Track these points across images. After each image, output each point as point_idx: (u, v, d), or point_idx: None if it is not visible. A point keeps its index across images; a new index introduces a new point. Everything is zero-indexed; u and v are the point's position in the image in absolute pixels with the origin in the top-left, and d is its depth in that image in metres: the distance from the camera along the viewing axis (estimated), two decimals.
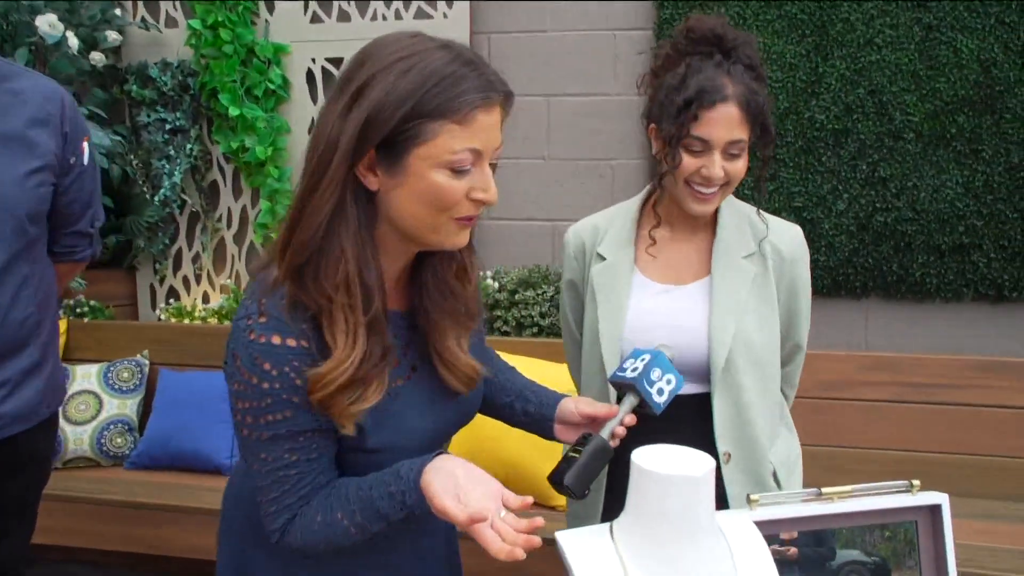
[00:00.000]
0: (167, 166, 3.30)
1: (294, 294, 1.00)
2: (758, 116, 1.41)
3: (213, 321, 3.21)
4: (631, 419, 1.22)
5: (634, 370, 1.22)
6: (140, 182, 3.34)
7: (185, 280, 3.50)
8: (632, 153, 3.12)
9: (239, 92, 3.16)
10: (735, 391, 1.46)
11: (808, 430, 2.81)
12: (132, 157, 3.31)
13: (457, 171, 0.98)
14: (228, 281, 3.38)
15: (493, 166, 1.04)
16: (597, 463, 1.17)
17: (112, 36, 3.17)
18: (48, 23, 2.87)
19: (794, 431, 1.68)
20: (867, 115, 2.86)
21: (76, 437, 2.88)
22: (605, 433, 1.20)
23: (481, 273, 3.10)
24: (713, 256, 1.50)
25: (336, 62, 3.23)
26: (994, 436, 2.72)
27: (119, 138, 3.21)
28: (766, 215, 1.56)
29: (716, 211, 1.51)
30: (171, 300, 3.50)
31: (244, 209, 3.39)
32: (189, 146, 3.30)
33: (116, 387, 2.99)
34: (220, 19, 3.11)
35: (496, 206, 3.27)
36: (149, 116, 3.30)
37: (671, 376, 1.23)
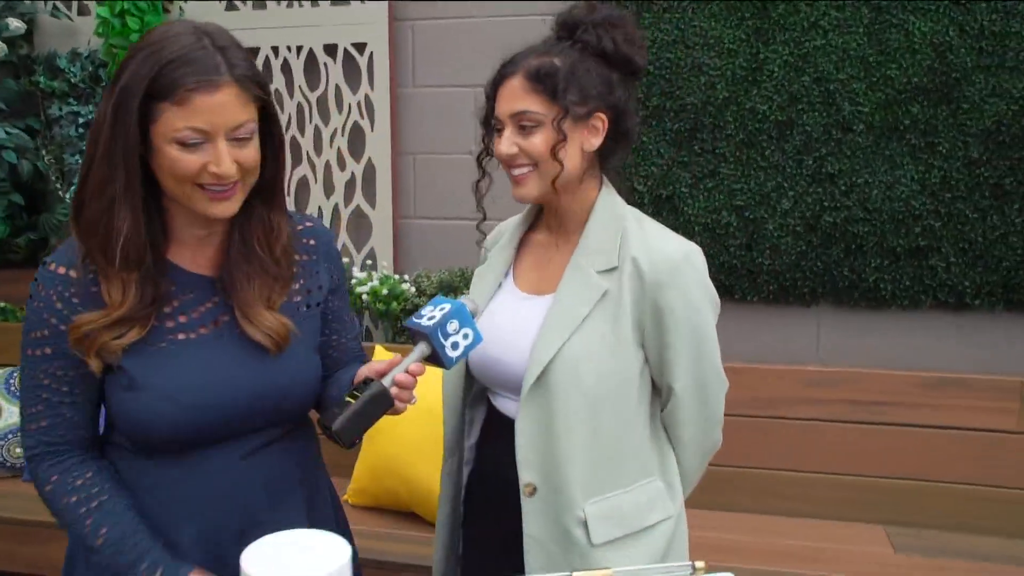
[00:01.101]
0: (80, 161, 3.13)
1: (85, 253, 1.14)
2: (548, 83, 1.28)
3: None
4: (418, 367, 1.17)
5: (431, 319, 1.16)
6: (53, 178, 3.18)
7: None
8: None
9: None
10: (546, 414, 1.31)
11: (743, 451, 2.59)
12: (44, 152, 3.15)
13: (186, 145, 1.08)
14: None
15: (241, 140, 1.12)
16: (372, 409, 1.12)
17: (15, 24, 3.01)
18: None
19: (676, 494, 1.42)
20: (813, 105, 2.60)
21: None
22: (387, 380, 1.14)
23: (397, 276, 2.90)
24: (567, 267, 1.37)
25: (251, 51, 3.03)
26: (945, 460, 2.47)
27: (16, 131, 3.04)
28: (649, 225, 1.38)
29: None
30: None
31: None
32: None
33: (14, 392, 2.83)
34: (127, 6, 2.93)
35: (418, 203, 3.08)
36: (61, 109, 3.13)
37: (469, 331, 1.17)
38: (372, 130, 2.96)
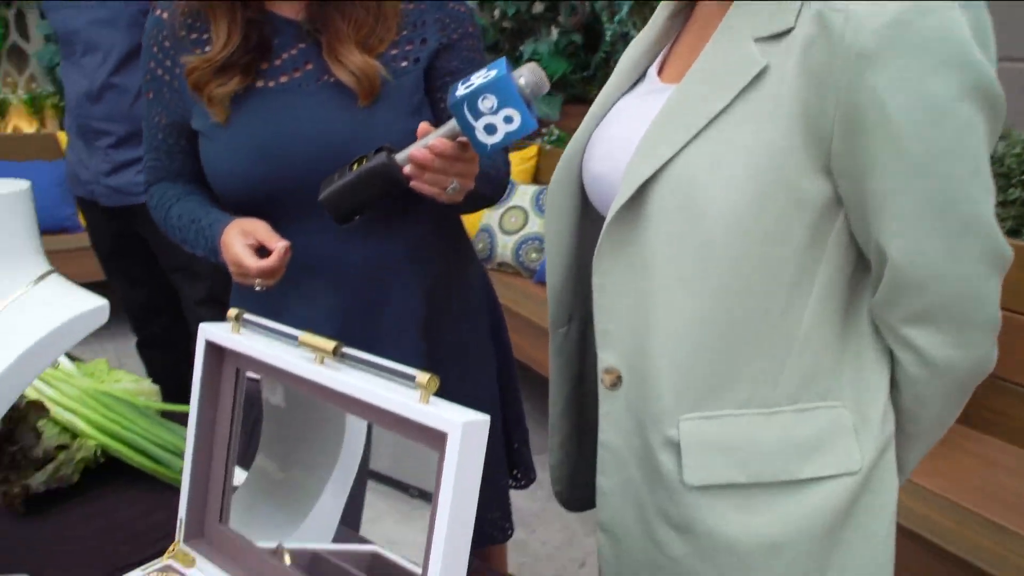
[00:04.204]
0: None
1: None
2: None
3: None
4: (443, 144, 0.93)
5: (468, 87, 0.88)
6: (604, 19, 3.51)
7: None
8: None
9: None
10: (637, 261, 0.81)
11: None
12: None
13: None
14: None
15: None
16: (369, 184, 0.95)
17: None
18: None
19: (875, 440, 0.81)
20: None
21: (503, 244, 3.38)
22: (402, 154, 0.95)
23: None
24: (713, 35, 0.80)
25: None
26: None
27: None
28: None
29: None
30: None
31: None
32: None
33: (542, 208, 3.37)
34: None
35: None
36: None
37: (512, 112, 0.86)
38: None
